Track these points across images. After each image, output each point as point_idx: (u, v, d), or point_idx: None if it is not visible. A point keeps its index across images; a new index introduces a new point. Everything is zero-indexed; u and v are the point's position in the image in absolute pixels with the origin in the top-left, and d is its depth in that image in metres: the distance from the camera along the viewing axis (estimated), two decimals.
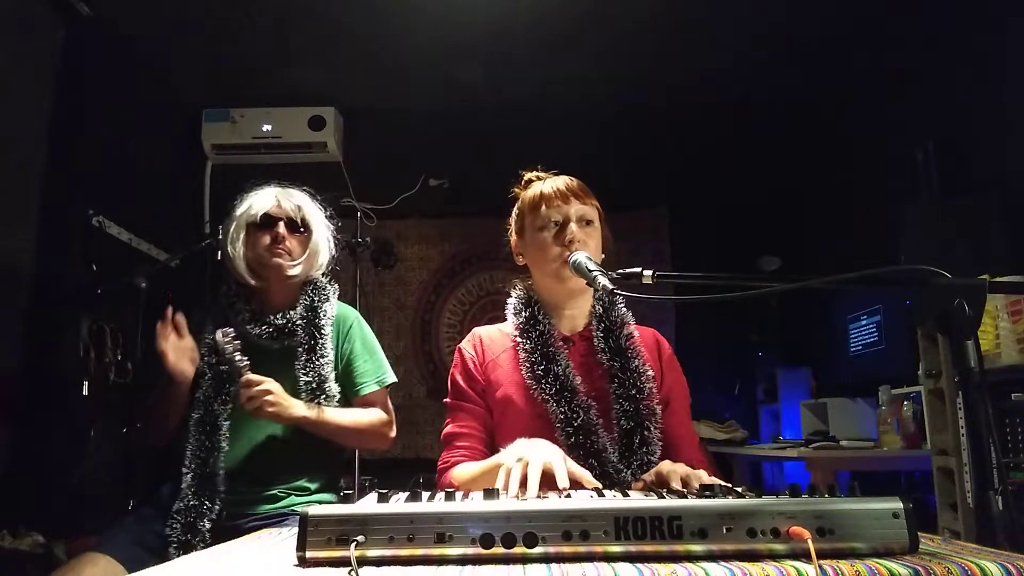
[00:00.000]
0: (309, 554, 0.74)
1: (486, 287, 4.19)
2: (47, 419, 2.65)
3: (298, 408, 1.65)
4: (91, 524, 2.29)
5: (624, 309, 1.47)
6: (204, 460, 1.63)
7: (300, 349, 1.73)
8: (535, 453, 1.04)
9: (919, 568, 0.68)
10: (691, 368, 1.53)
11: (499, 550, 0.73)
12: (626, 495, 0.94)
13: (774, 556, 0.73)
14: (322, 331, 1.76)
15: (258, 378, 1.61)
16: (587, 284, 1.24)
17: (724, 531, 0.74)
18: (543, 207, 1.43)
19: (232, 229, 1.77)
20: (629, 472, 1.31)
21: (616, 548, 0.73)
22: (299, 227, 1.78)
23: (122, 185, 3.21)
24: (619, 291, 1.14)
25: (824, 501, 0.76)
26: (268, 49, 3.41)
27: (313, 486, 1.75)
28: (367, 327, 1.89)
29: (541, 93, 3.84)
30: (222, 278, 1.85)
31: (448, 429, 1.44)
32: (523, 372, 1.39)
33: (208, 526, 1.58)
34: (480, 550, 0.73)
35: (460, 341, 1.54)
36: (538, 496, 0.93)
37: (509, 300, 1.51)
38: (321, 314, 1.77)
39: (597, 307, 1.47)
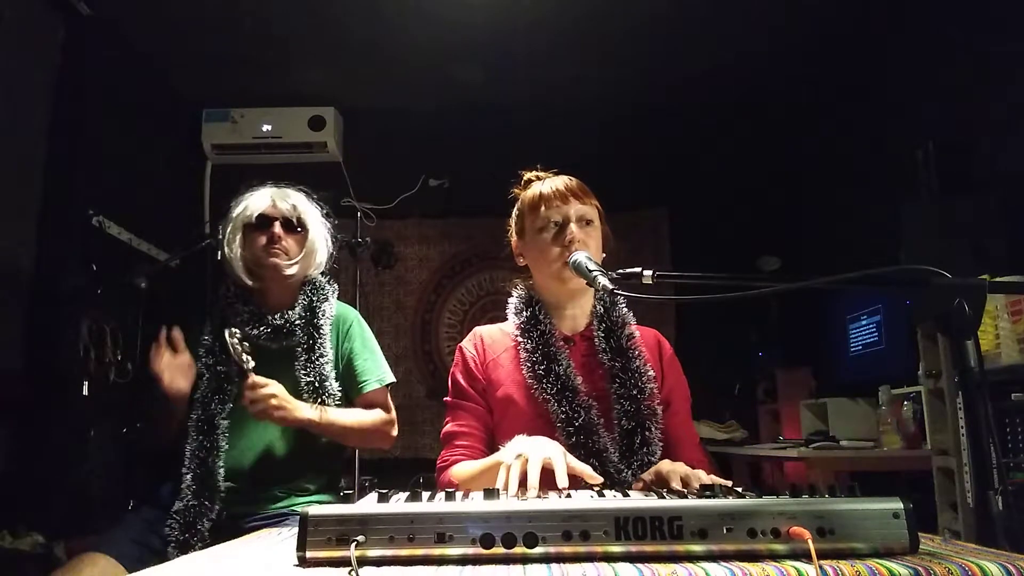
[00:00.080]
0: (309, 554, 0.74)
1: (486, 287, 4.19)
2: (47, 419, 2.65)
3: (303, 411, 1.65)
4: (91, 524, 2.30)
5: (625, 309, 1.46)
6: (204, 460, 1.62)
7: (299, 349, 1.73)
8: (535, 450, 1.04)
9: (919, 568, 0.68)
10: (691, 368, 1.53)
11: (499, 550, 0.73)
12: (626, 495, 0.94)
13: (774, 556, 0.73)
14: (321, 331, 1.75)
15: (263, 380, 1.59)
16: (587, 284, 1.24)
17: (724, 531, 0.74)
18: (543, 208, 1.43)
19: (228, 230, 1.76)
20: (630, 472, 1.31)
21: (616, 548, 0.73)
22: (295, 226, 1.77)
23: (122, 185, 3.21)
24: (619, 291, 1.14)
25: (824, 501, 0.76)
26: (268, 49, 3.41)
27: (313, 486, 1.75)
28: (367, 327, 1.88)
29: (541, 93, 3.84)
30: (222, 278, 1.85)
31: (448, 428, 1.44)
32: (524, 372, 1.39)
33: (208, 526, 1.58)
34: (480, 550, 0.73)
35: (460, 341, 1.53)
36: (538, 496, 0.92)
37: (510, 300, 1.51)
38: (320, 314, 1.77)
39: (598, 307, 1.47)
